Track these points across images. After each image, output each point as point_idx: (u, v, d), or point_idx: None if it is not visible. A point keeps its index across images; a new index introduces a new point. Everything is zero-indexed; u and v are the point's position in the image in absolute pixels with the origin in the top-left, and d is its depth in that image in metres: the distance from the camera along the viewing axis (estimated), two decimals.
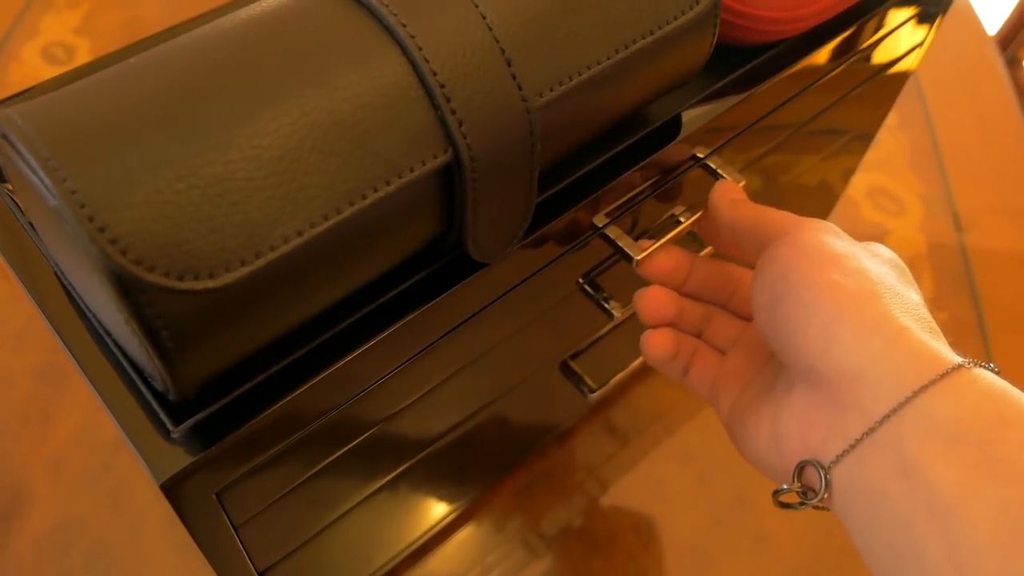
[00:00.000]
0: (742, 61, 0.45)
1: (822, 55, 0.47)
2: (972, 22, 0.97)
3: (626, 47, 0.34)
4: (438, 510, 0.56)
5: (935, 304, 0.72)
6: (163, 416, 0.31)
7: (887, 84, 0.60)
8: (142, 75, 0.28)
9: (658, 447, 0.64)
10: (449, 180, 0.31)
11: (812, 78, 0.48)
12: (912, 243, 0.76)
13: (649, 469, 0.63)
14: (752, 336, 0.40)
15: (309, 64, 0.29)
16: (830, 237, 0.34)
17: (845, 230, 0.36)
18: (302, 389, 0.32)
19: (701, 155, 0.45)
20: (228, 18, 0.31)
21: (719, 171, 0.45)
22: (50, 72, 0.81)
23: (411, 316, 0.34)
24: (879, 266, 0.34)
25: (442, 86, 0.30)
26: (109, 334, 0.33)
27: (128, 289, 0.26)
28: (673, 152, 0.42)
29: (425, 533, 0.57)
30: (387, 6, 0.30)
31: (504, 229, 0.34)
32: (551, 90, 0.32)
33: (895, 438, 0.29)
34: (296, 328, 0.32)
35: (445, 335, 0.38)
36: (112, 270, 0.25)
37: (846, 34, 0.47)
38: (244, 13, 0.31)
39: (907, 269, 0.35)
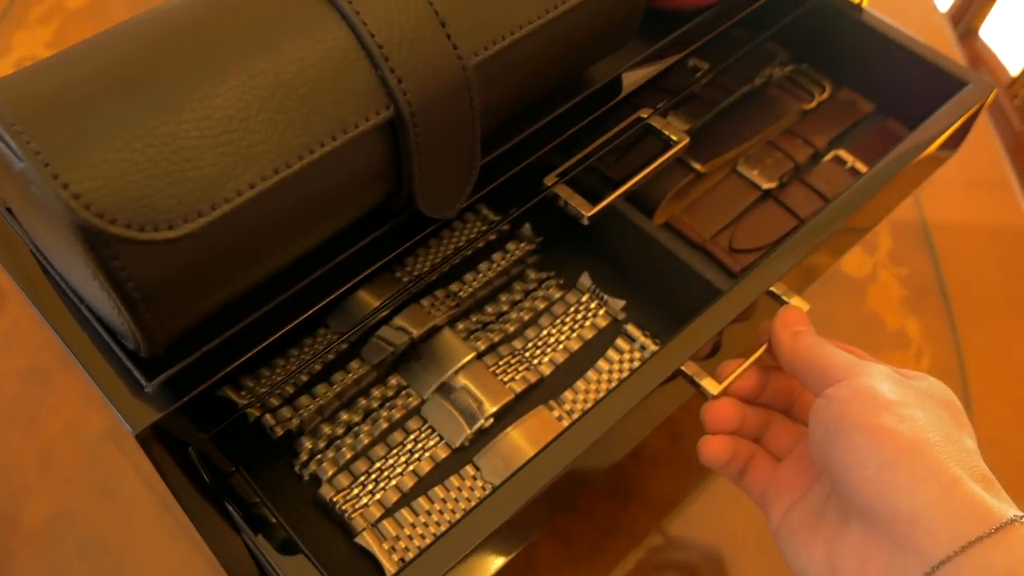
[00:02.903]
0: (680, 24, 0.47)
1: (757, 16, 0.49)
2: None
3: (556, 7, 0.36)
4: None
5: (895, 260, 0.74)
6: (136, 373, 0.33)
7: None
8: (101, 49, 0.30)
9: None
10: (395, 136, 0.34)
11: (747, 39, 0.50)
12: None
13: None
14: (805, 448, 0.41)
15: (256, 32, 0.31)
16: (884, 383, 0.36)
17: None
18: (266, 344, 0.34)
19: (645, 115, 0.47)
20: None
21: (663, 131, 0.48)
22: None
23: (370, 270, 0.36)
24: (932, 410, 0.35)
25: (380, 46, 0.32)
26: (83, 300, 0.35)
27: (93, 242, 0.28)
28: (615, 111, 0.44)
29: None
30: None
31: (451, 182, 0.36)
32: (486, 49, 0.34)
33: None
34: (260, 284, 0.34)
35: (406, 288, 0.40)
36: (77, 224, 0.27)
37: None
38: None
39: (960, 408, 0.37)
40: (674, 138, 0.47)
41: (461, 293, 0.49)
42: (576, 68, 0.40)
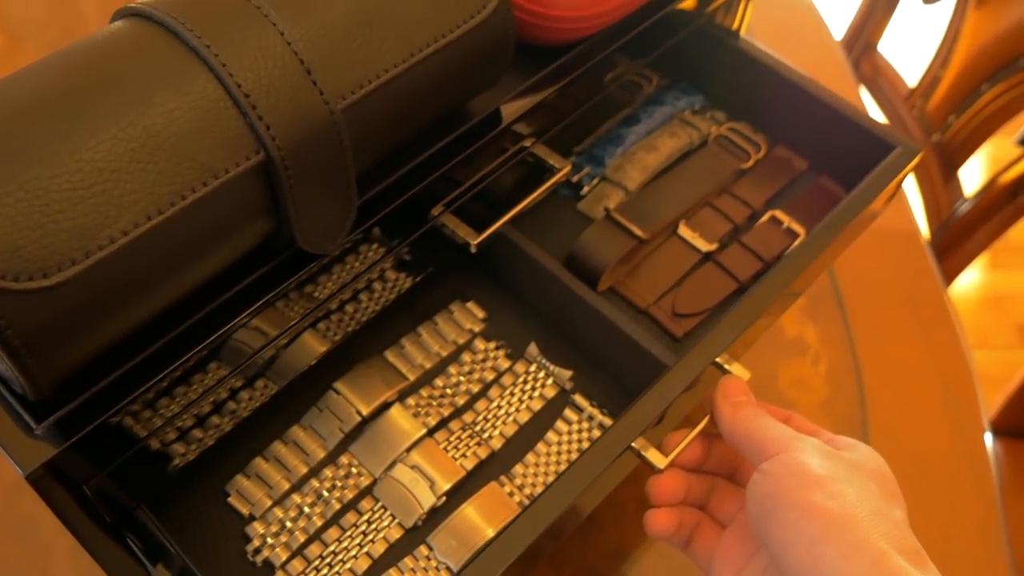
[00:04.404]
0: (554, 58, 0.50)
1: (630, 46, 0.52)
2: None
3: (420, 50, 0.38)
4: None
5: None
6: (26, 416, 0.34)
7: None
8: None
9: None
10: (269, 179, 0.35)
11: (621, 67, 0.53)
12: None
13: None
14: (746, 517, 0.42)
15: (125, 87, 0.33)
16: (815, 458, 0.38)
17: None
18: (153, 382, 0.36)
19: (528, 144, 0.49)
20: (56, 53, 0.34)
21: (547, 160, 0.50)
22: None
23: (254, 307, 0.38)
24: (861, 484, 0.37)
25: (247, 96, 0.34)
26: None
27: None
28: (498, 142, 0.46)
29: None
30: (192, 31, 0.34)
31: (330, 220, 0.38)
32: (353, 93, 0.36)
33: None
34: (147, 325, 0.36)
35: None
36: None
37: (652, 20, 0.52)
38: (70, 47, 0.35)
39: (892, 477, 0.39)
40: (556, 166, 0.50)
41: (409, 354, 0.51)
42: (450, 105, 0.43)
